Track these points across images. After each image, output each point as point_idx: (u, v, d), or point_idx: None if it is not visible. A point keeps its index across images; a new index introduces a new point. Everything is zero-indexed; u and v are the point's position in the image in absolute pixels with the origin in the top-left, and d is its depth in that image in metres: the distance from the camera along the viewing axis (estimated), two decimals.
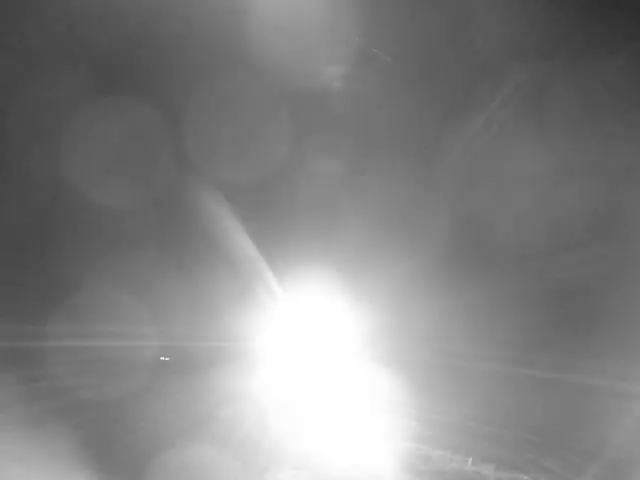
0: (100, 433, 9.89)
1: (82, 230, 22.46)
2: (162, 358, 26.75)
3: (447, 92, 18.15)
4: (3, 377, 15.66)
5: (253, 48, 15.92)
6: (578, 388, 18.84)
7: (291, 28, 14.20)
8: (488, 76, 18.09)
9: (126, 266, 23.14)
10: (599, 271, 18.54)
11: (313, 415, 14.95)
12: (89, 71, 17.58)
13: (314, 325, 24.14)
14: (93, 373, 18.77)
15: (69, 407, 15.62)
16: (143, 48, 16.80)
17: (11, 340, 19.56)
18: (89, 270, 22.22)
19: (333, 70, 16.77)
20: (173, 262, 23.35)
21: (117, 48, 17.01)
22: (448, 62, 18.14)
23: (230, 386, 22.38)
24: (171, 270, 23.39)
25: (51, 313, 22.37)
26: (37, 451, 7.95)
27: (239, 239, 21.55)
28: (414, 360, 21.89)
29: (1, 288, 20.36)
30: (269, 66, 16.22)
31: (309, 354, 23.75)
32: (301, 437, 9.93)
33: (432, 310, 19.88)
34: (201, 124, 19.17)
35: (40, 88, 17.47)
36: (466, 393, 18.62)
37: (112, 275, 22.66)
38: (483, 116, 18.63)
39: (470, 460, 8.77)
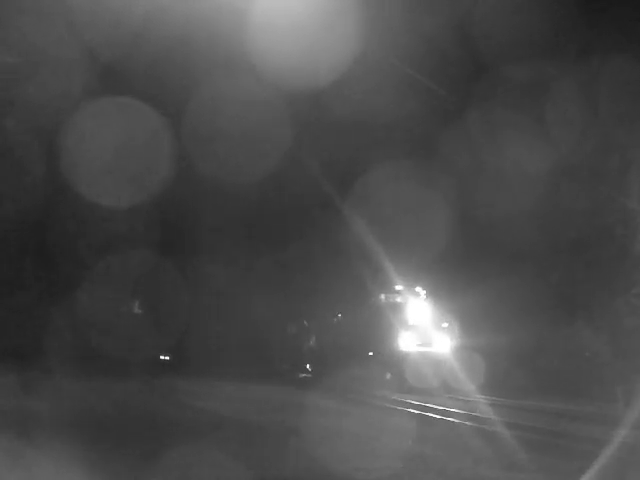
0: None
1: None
2: (162, 357, 26.29)
3: (447, 91, 18.11)
4: None
5: (253, 49, 15.92)
6: None
7: (291, 29, 14.19)
8: (488, 75, 18.05)
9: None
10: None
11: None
12: (91, 73, 17.58)
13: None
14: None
15: None
16: (144, 49, 16.80)
17: None
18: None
19: (333, 70, 16.77)
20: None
21: (118, 50, 17.01)
22: (448, 62, 18.11)
23: None
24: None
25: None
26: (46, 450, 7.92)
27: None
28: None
29: None
30: (269, 67, 16.23)
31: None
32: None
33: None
34: (202, 124, 19.12)
35: (41, 88, 17.46)
36: None
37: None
38: (484, 115, 18.57)
39: (469, 459, 8.74)
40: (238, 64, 15.98)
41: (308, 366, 25.90)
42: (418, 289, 21.64)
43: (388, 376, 19.99)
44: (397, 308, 21.39)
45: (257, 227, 24.18)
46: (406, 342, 20.38)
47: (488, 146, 19.31)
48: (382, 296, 22.36)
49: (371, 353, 21.90)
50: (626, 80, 16.88)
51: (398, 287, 21.69)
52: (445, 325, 20.55)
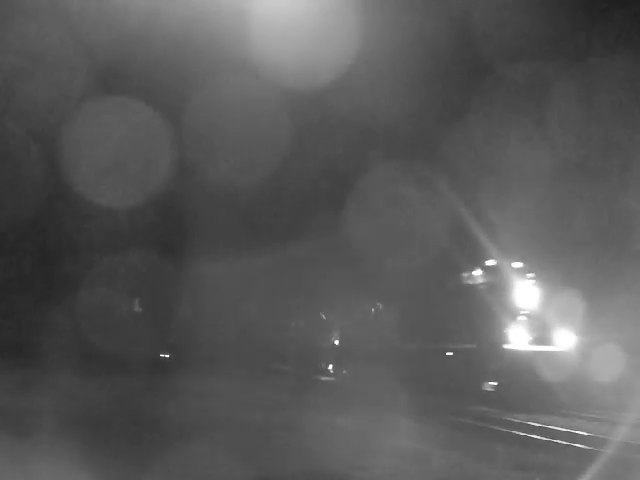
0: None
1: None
2: (161, 355, 26.17)
3: (447, 92, 18.11)
4: None
5: (254, 50, 15.93)
6: None
7: (292, 29, 14.20)
8: (489, 75, 18.06)
9: None
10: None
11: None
12: (91, 73, 17.60)
13: None
14: None
15: None
16: (144, 49, 16.82)
17: None
18: None
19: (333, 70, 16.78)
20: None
21: (118, 50, 17.03)
22: (448, 62, 18.11)
23: None
24: None
25: None
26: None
27: None
28: None
29: None
30: (270, 67, 16.24)
31: None
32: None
33: None
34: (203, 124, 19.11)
35: (41, 88, 17.46)
36: None
37: None
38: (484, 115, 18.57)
39: (470, 459, 8.74)
40: (238, 64, 16.00)
41: (330, 367, 22.02)
42: (519, 265, 15.14)
43: (488, 385, 14.62)
44: (493, 291, 15.30)
45: (258, 224, 24.14)
46: (515, 338, 14.49)
47: (488, 145, 19.31)
48: (466, 275, 16.49)
49: (450, 353, 16.26)
50: (627, 80, 16.88)
51: (490, 263, 15.67)
52: (567, 314, 14.64)
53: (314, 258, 21.42)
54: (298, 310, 25.01)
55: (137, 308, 28.39)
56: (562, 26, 16.93)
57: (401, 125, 18.61)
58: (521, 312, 14.85)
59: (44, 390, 14.09)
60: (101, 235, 22.75)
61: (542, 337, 14.66)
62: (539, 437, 10.25)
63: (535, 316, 14.78)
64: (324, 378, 21.59)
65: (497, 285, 15.40)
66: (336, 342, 22.67)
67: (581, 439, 9.88)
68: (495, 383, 14.50)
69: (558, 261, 15.07)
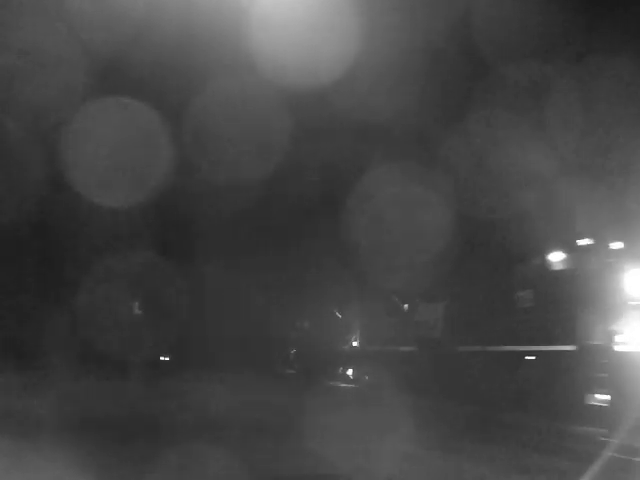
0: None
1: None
2: (162, 358, 26.12)
3: (446, 91, 18.08)
4: None
5: (254, 49, 15.91)
6: None
7: (291, 28, 14.18)
8: (488, 75, 18.03)
9: None
10: None
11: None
12: (91, 73, 17.58)
13: None
14: None
15: None
16: (144, 49, 16.80)
17: None
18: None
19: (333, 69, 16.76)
20: None
21: (118, 50, 17.01)
22: (448, 61, 18.09)
23: None
24: None
25: None
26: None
27: None
28: None
29: None
30: (270, 66, 16.22)
31: None
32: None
33: None
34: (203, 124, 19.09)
35: (41, 88, 17.44)
36: None
37: None
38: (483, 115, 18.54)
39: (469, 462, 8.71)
40: (238, 63, 15.99)
41: (350, 373, 19.64)
42: (619, 246, 11.76)
43: (594, 399, 11.21)
44: (591, 279, 11.88)
45: (258, 223, 24.13)
46: (629, 337, 11.06)
47: (488, 146, 19.29)
48: (548, 260, 13.00)
49: (532, 357, 12.80)
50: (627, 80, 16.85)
51: (583, 242, 12.43)
52: None
53: (319, 255, 20.10)
54: (304, 309, 23.64)
55: (137, 310, 28.37)
56: (562, 26, 16.92)
57: (402, 124, 18.60)
58: (633, 305, 11.37)
59: (44, 392, 14.09)
60: (101, 235, 22.73)
61: None
62: None
63: None
64: (342, 385, 19.36)
65: (596, 271, 12.01)
66: (354, 344, 20.41)
67: None
68: (607, 396, 11.01)
69: None
